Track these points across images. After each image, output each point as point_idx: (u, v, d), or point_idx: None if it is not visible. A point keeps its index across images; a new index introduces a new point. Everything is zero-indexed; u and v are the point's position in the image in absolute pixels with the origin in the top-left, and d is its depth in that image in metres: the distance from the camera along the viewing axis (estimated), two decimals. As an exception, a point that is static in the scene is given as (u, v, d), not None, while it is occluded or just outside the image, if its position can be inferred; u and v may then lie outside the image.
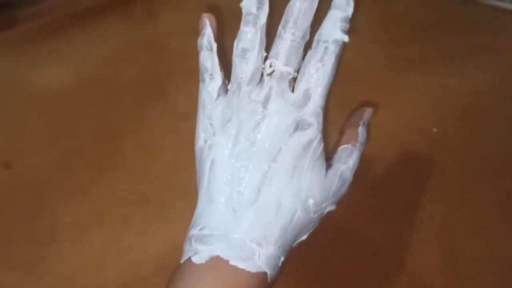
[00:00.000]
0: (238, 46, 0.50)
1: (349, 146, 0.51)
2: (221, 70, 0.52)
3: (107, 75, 0.70)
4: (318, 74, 0.49)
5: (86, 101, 0.68)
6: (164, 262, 0.54)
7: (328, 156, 0.51)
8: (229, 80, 0.52)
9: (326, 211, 0.50)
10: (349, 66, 0.63)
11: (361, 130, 0.53)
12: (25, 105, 0.69)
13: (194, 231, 0.47)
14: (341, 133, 0.53)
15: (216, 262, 0.44)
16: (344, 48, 0.50)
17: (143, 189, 0.62)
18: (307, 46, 0.50)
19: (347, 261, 0.58)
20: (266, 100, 0.48)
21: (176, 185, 0.60)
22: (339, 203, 0.51)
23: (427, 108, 0.64)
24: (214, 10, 0.67)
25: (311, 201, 0.47)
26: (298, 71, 0.50)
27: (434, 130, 0.62)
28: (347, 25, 0.49)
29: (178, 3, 0.72)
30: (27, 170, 0.64)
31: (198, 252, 0.45)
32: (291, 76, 0.49)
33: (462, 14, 0.72)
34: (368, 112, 0.54)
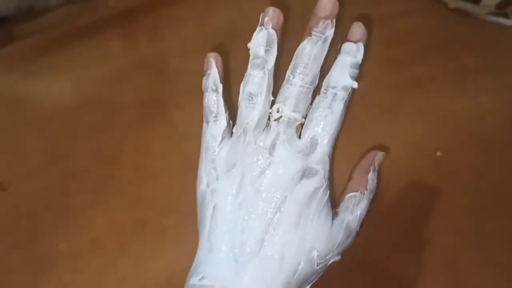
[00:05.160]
0: (245, 89, 0.49)
1: (357, 194, 0.50)
2: (225, 111, 0.50)
3: (106, 94, 0.68)
4: (326, 121, 0.48)
5: (84, 121, 0.66)
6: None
7: (335, 203, 0.50)
8: (233, 121, 0.51)
9: (330, 262, 0.49)
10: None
11: (371, 176, 0.51)
12: (21, 125, 0.67)
13: (193, 281, 0.46)
14: (350, 178, 0.52)
15: (216, 315, 0.43)
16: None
17: (140, 214, 0.60)
18: (316, 90, 0.49)
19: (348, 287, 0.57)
20: (273, 146, 0.47)
21: (174, 210, 0.59)
22: (344, 253, 0.50)
23: (432, 132, 0.63)
24: (217, 28, 0.66)
25: (315, 252, 0.46)
26: (305, 116, 0.49)
27: (438, 153, 0.61)
28: (356, 71, 0.48)
29: (180, 20, 0.71)
30: (22, 193, 0.62)
31: (198, 304, 0.44)
32: (298, 122, 0.48)
33: (468, 34, 0.70)
34: (379, 156, 0.53)
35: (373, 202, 0.54)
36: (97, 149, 0.65)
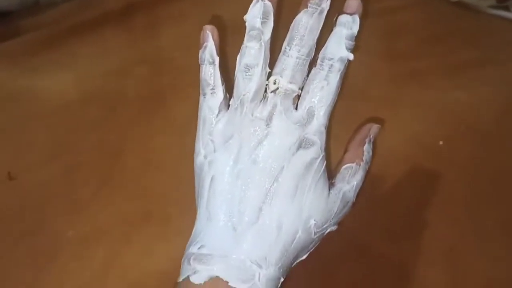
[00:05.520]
0: (241, 61, 0.49)
1: (353, 165, 0.50)
2: (222, 84, 0.51)
3: (108, 89, 0.68)
4: (322, 92, 0.48)
5: (87, 115, 0.67)
6: (165, 280, 0.53)
7: (332, 174, 0.50)
8: (230, 94, 0.51)
9: (327, 231, 0.49)
10: (350, 80, 0.62)
11: (366, 148, 0.52)
12: (26, 118, 0.68)
13: (192, 249, 0.46)
14: (346, 150, 0.52)
15: (216, 282, 0.44)
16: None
17: (144, 205, 0.61)
18: (312, 62, 0.49)
19: (349, 277, 0.56)
20: (269, 117, 0.48)
21: (178, 200, 0.59)
22: (340, 223, 0.50)
23: (431, 124, 0.63)
24: (217, 20, 0.67)
25: (312, 221, 0.47)
26: (302, 88, 0.49)
27: (440, 143, 0.61)
28: (352, 43, 0.49)
29: (180, 15, 0.71)
30: (29, 184, 0.62)
31: (197, 272, 0.44)
32: (295, 94, 0.48)
33: (467, 26, 0.70)
34: (374, 128, 0.54)
35: (372, 190, 0.54)
36: (100, 142, 0.65)
